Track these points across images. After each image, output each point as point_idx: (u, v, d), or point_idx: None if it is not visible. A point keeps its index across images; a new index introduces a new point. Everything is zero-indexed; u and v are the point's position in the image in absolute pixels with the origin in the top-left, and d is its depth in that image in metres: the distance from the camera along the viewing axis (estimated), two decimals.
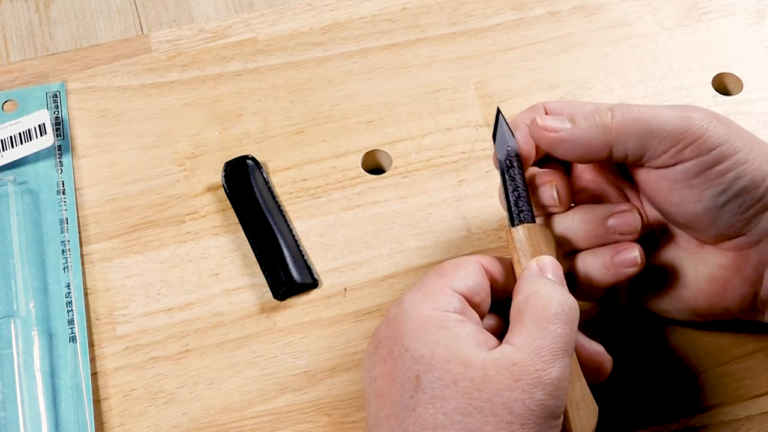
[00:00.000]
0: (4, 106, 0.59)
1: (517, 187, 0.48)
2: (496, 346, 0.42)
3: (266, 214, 0.55)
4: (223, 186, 0.56)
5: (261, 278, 0.54)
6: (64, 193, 0.56)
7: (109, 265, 0.54)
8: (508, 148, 0.48)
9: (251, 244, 0.54)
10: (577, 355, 0.45)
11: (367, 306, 0.53)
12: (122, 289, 0.53)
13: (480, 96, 0.60)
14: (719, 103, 0.59)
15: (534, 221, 0.47)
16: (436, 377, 0.41)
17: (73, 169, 0.57)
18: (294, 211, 0.56)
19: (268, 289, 0.53)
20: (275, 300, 0.53)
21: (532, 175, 0.49)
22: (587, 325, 0.44)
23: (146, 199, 0.56)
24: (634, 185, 0.49)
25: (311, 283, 0.53)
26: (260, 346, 0.52)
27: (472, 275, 0.45)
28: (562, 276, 0.45)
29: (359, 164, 0.58)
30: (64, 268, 0.54)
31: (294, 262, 0.54)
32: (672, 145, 0.45)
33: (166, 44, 0.62)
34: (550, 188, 0.48)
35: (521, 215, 0.47)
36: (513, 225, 0.47)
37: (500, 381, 0.40)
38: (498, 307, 0.46)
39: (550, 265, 0.45)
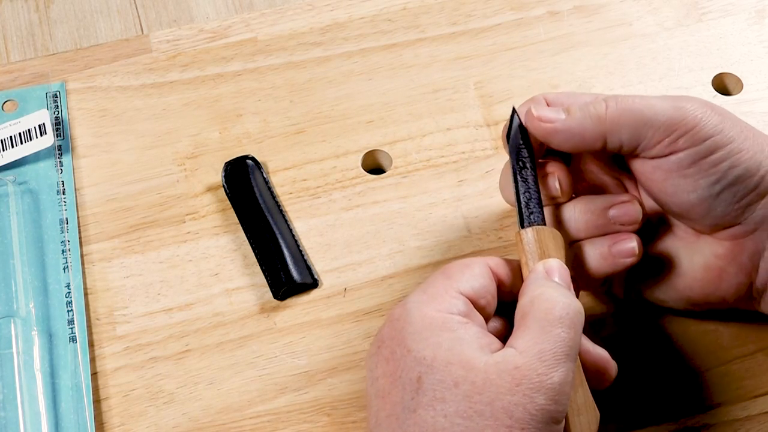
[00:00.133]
0: (4, 106, 0.59)
1: (529, 188, 0.47)
2: (500, 349, 0.42)
3: (266, 214, 0.55)
4: (223, 186, 0.56)
5: (261, 278, 0.54)
6: (64, 193, 0.56)
7: (109, 265, 0.54)
8: (522, 149, 0.48)
9: (251, 244, 0.54)
10: (581, 360, 0.45)
11: (367, 306, 0.53)
12: (122, 289, 0.53)
13: (480, 96, 0.60)
14: (719, 104, 0.59)
15: (544, 223, 0.47)
16: (438, 379, 0.41)
17: (73, 169, 0.57)
18: (294, 211, 0.56)
19: (268, 289, 0.53)
20: (275, 300, 0.53)
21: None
22: (587, 325, 0.44)
23: (146, 199, 0.56)
24: (632, 176, 0.49)
25: (311, 283, 0.53)
26: (260, 346, 0.52)
27: (478, 277, 0.45)
28: (570, 280, 0.45)
29: (359, 164, 0.58)
30: (64, 268, 0.54)
31: (294, 262, 0.54)
32: (666, 135, 0.45)
33: (166, 44, 0.62)
34: (552, 179, 0.48)
35: (532, 217, 0.47)
36: (523, 226, 0.47)
37: (501, 384, 0.40)
38: (505, 310, 0.46)
39: (557, 268, 0.45)
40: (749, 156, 0.45)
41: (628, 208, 0.48)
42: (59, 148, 0.58)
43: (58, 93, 0.60)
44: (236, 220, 0.55)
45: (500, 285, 0.46)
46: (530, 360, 0.41)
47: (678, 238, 0.49)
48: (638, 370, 0.50)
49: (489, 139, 0.58)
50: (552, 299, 0.43)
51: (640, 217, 0.48)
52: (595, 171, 0.50)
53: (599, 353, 0.45)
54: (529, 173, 0.48)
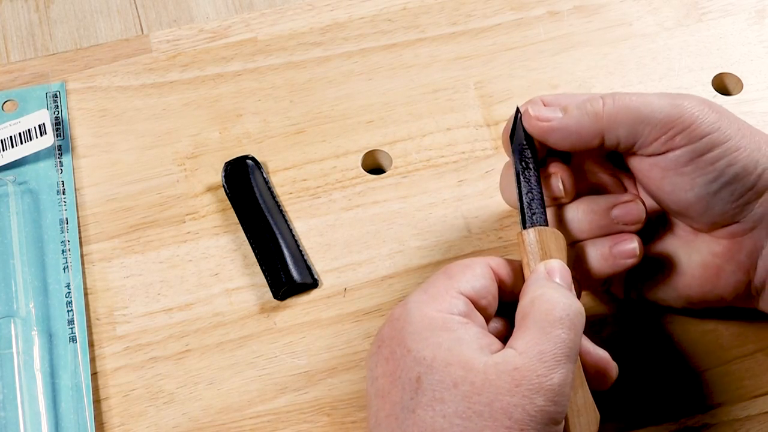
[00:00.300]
0: (4, 106, 0.59)
1: (532, 189, 0.47)
2: (500, 350, 0.42)
3: (266, 214, 0.55)
4: (223, 186, 0.56)
5: (261, 278, 0.54)
6: (64, 193, 0.56)
7: (109, 265, 0.54)
8: (525, 150, 0.48)
9: (251, 244, 0.54)
10: (582, 361, 0.44)
11: (367, 306, 0.53)
12: (122, 289, 0.53)
13: (480, 96, 0.60)
14: (719, 104, 0.59)
15: (547, 224, 0.47)
16: (437, 380, 0.41)
17: (73, 169, 0.57)
18: (294, 211, 0.56)
19: (268, 289, 0.53)
20: (275, 300, 0.53)
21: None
22: (587, 325, 0.44)
23: (146, 199, 0.56)
24: (632, 174, 0.49)
25: (311, 283, 0.53)
26: (260, 346, 0.52)
27: (479, 278, 0.45)
28: (571, 281, 0.45)
29: (359, 164, 0.58)
30: (64, 268, 0.54)
31: (294, 262, 0.54)
32: (663, 132, 0.45)
33: (166, 44, 0.62)
34: (555, 180, 0.48)
35: (534, 217, 0.47)
36: (525, 227, 0.47)
37: (500, 385, 0.40)
38: (506, 310, 0.46)
39: (558, 269, 0.45)
40: (746, 154, 0.45)
41: (631, 208, 0.48)
42: (59, 148, 0.58)
43: (58, 93, 0.60)
44: (236, 220, 0.55)
45: (501, 285, 0.46)
46: (530, 361, 0.41)
47: (676, 236, 0.50)
48: (638, 370, 0.50)
49: (489, 139, 0.58)
50: (552, 300, 0.43)
51: (644, 216, 0.48)
52: (595, 170, 0.50)
53: (600, 354, 0.45)
54: (531, 173, 0.48)
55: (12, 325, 0.51)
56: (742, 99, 0.60)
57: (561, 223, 0.49)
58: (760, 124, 0.58)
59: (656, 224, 0.50)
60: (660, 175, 0.46)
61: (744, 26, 0.63)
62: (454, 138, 0.58)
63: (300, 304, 0.53)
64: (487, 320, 0.45)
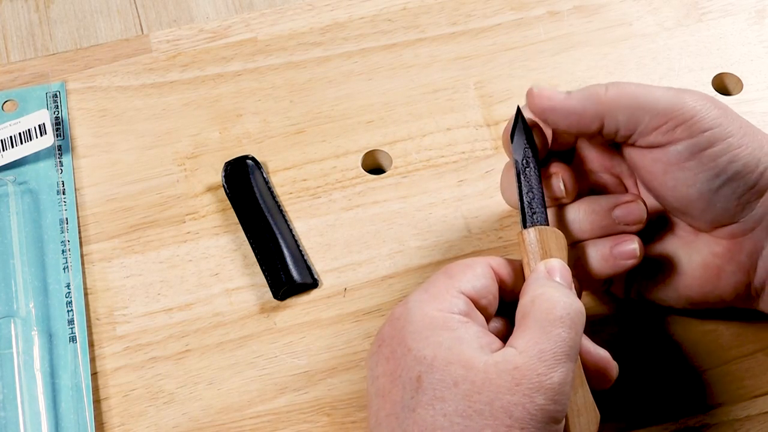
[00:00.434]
0: (4, 106, 0.59)
1: (532, 188, 0.47)
2: (500, 349, 0.42)
3: (266, 214, 0.55)
4: (223, 186, 0.56)
5: (261, 278, 0.54)
6: (64, 193, 0.56)
7: (109, 265, 0.54)
8: (526, 149, 0.48)
9: (251, 244, 0.54)
10: (582, 361, 0.44)
11: (367, 306, 0.53)
12: (122, 289, 0.53)
13: (480, 96, 0.60)
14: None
15: (547, 224, 0.47)
16: (438, 379, 0.41)
17: (73, 169, 0.57)
18: (294, 211, 0.56)
19: (268, 289, 0.53)
20: (275, 300, 0.53)
21: None
22: (587, 325, 0.44)
23: (146, 199, 0.56)
24: (632, 174, 0.49)
25: (311, 283, 0.53)
26: (260, 346, 0.52)
27: (480, 277, 0.45)
28: (571, 280, 0.45)
29: (359, 164, 0.58)
30: (64, 268, 0.54)
31: (294, 262, 0.54)
32: (663, 122, 0.45)
33: (166, 44, 0.62)
34: (556, 180, 0.48)
35: (534, 217, 0.47)
36: (525, 226, 0.47)
37: (501, 384, 0.40)
38: (506, 310, 0.46)
39: (558, 268, 0.45)
40: (748, 152, 0.45)
41: (632, 208, 0.48)
42: (59, 148, 0.58)
43: (58, 93, 0.60)
44: (236, 220, 0.55)
45: (502, 285, 0.46)
46: (530, 360, 0.41)
47: (677, 237, 0.50)
48: (638, 370, 0.50)
49: (489, 139, 0.58)
50: (553, 299, 0.43)
51: (645, 216, 0.48)
52: (596, 170, 0.50)
53: (600, 354, 0.45)
54: (532, 173, 0.48)
55: (12, 325, 0.51)
56: (742, 99, 0.60)
57: (562, 224, 0.49)
58: (760, 124, 0.58)
59: (657, 224, 0.50)
60: (662, 170, 0.46)
61: (744, 26, 0.63)
62: (454, 138, 0.58)
63: (300, 304, 0.53)
64: (488, 320, 0.45)
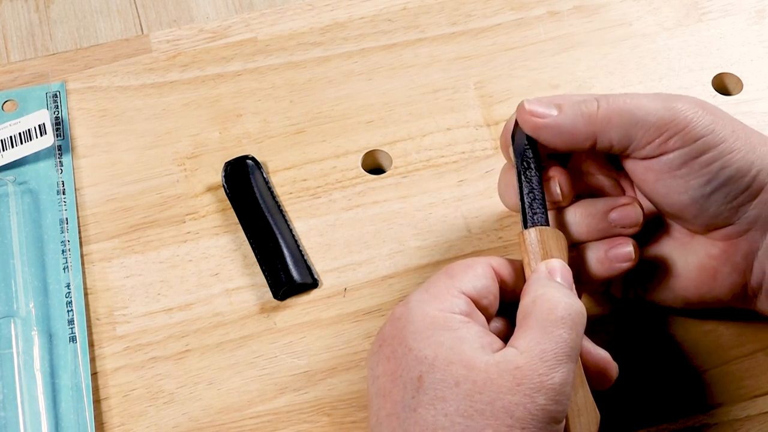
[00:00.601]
0: (4, 106, 0.59)
1: (533, 189, 0.47)
2: (501, 349, 0.42)
3: (266, 214, 0.55)
4: (223, 186, 0.56)
5: (261, 278, 0.54)
6: (64, 193, 0.56)
7: (109, 265, 0.54)
8: (526, 149, 0.48)
9: (251, 244, 0.54)
10: (582, 361, 0.45)
11: (367, 306, 0.53)
12: (122, 289, 0.53)
13: (480, 96, 0.60)
14: (719, 104, 0.59)
15: (548, 224, 0.47)
16: (439, 378, 0.41)
17: (73, 169, 0.57)
18: (294, 211, 0.56)
19: (268, 289, 0.53)
20: (275, 300, 0.53)
21: None
22: (587, 325, 0.44)
23: (146, 199, 0.56)
24: (629, 176, 0.49)
25: (311, 283, 0.53)
26: (260, 346, 0.52)
27: (481, 277, 0.45)
28: (571, 280, 0.45)
29: (359, 164, 0.58)
30: (64, 268, 0.54)
31: (294, 262, 0.54)
32: (657, 135, 0.45)
33: (166, 44, 0.62)
34: (553, 183, 0.48)
35: (535, 217, 0.47)
36: (526, 227, 0.47)
37: (502, 384, 0.40)
38: (507, 310, 0.46)
39: (559, 268, 0.45)
40: (741, 156, 0.45)
41: (628, 211, 0.48)
42: (59, 148, 0.58)
43: (58, 93, 0.60)
44: (236, 220, 0.55)
45: (502, 285, 0.46)
46: (531, 360, 0.41)
47: (672, 238, 0.50)
48: (638, 370, 0.50)
49: (489, 139, 0.58)
50: (554, 299, 0.43)
51: (641, 219, 0.48)
52: (593, 172, 0.50)
53: (600, 354, 0.45)
54: (533, 174, 0.48)
55: (12, 325, 0.51)
56: (742, 99, 0.60)
57: (559, 226, 0.49)
58: (760, 124, 0.58)
59: (653, 226, 0.50)
60: (654, 178, 0.46)
61: (744, 26, 0.63)
62: (454, 138, 0.58)
63: (300, 304, 0.53)
64: (488, 320, 0.45)
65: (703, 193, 0.45)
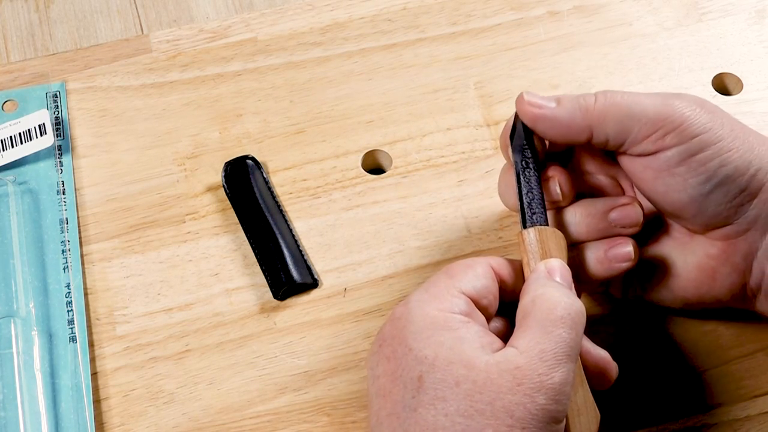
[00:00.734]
0: (4, 106, 0.59)
1: (532, 189, 0.47)
2: (501, 349, 0.42)
3: (266, 214, 0.55)
4: (223, 186, 0.56)
5: (261, 278, 0.54)
6: (64, 193, 0.56)
7: (109, 265, 0.54)
8: (525, 149, 0.48)
9: (251, 244, 0.54)
10: (582, 361, 0.45)
11: (367, 306, 0.53)
12: (122, 289, 0.53)
13: (480, 96, 0.60)
14: (719, 104, 0.58)
15: (547, 224, 0.47)
16: (439, 378, 0.41)
17: (73, 169, 0.57)
18: (294, 211, 0.56)
19: (268, 289, 0.53)
20: (275, 300, 0.53)
21: None
22: (587, 325, 0.44)
23: (146, 199, 0.56)
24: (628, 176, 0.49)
25: (311, 283, 0.53)
26: (260, 346, 0.52)
27: (480, 277, 0.45)
28: (571, 280, 0.45)
29: (359, 164, 0.58)
30: (64, 268, 0.54)
31: (294, 262, 0.54)
32: (653, 130, 0.45)
33: (166, 44, 0.62)
34: (553, 183, 0.48)
35: (534, 217, 0.47)
36: (525, 227, 0.47)
37: (502, 384, 0.40)
38: (506, 310, 0.46)
39: (558, 268, 0.45)
40: (739, 155, 0.45)
41: (628, 211, 0.48)
42: (59, 148, 0.58)
43: (58, 93, 0.60)
44: (236, 220, 0.55)
45: (502, 285, 0.46)
46: (531, 360, 0.41)
47: (672, 238, 0.50)
48: (638, 370, 0.50)
49: (489, 139, 0.58)
50: (554, 299, 0.43)
51: (641, 219, 0.48)
52: (593, 172, 0.50)
53: (600, 354, 0.45)
54: (532, 173, 0.48)
55: (12, 325, 0.51)
56: (742, 99, 0.60)
57: (559, 226, 0.49)
58: (760, 125, 0.58)
59: (652, 226, 0.50)
60: (652, 176, 0.46)
61: (744, 26, 0.63)
62: (454, 138, 0.58)
63: (300, 304, 0.53)
64: (488, 320, 0.45)
65: (701, 191, 0.45)
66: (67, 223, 0.55)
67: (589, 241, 0.48)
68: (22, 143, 0.57)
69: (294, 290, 0.53)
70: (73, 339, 0.51)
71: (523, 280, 0.46)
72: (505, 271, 0.46)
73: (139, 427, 0.49)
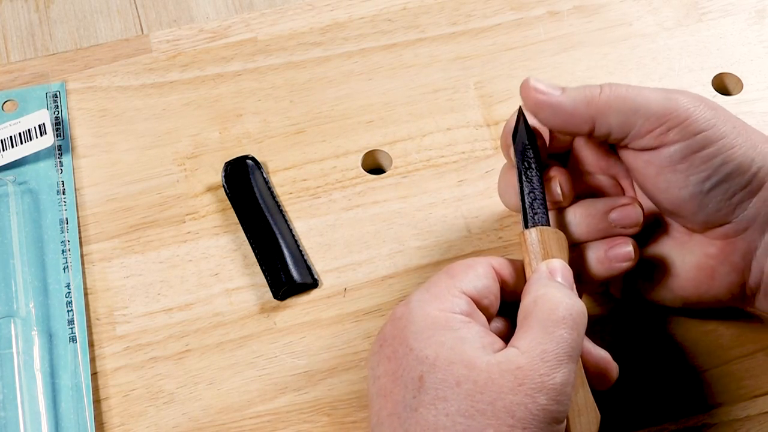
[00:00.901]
0: (4, 106, 0.59)
1: (534, 189, 0.47)
2: (502, 349, 0.42)
3: (266, 214, 0.55)
4: (223, 186, 0.56)
5: (261, 278, 0.54)
6: (64, 193, 0.56)
7: (109, 265, 0.54)
8: (527, 149, 0.48)
9: (251, 244, 0.54)
10: (583, 361, 0.45)
11: (367, 306, 0.53)
12: (122, 289, 0.53)
13: (480, 96, 0.60)
14: (719, 103, 0.59)
15: (548, 224, 0.47)
16: (440, 378, 0.41)
17: (73, 169, 0.57)
18: (294, 211, 0.56)
19: (268, 289, 0.53)
20: (275, 300, 0.53)
21: None
22: (587, 325, 0.44)
23: (146, 199, 0.56)
24: (629, 176, 0.49)
25: (311, 283, 0.53)
26: (260, 346, 0.52)
27: (481, 277, 0.45)
28: (572, 280, 0.45)
29: (359, 164, 0.58)
30: (64, 268, 0.54)
31: (294, 262, 0.54)
32: (656, 125, 0.45)
33: (166, 44, 0.62)
34: (554, 184, 0.48)
35: (536, 217, 0.47)
36: (527, 227, 0.47)
37: (503, 384, 0.40)
38: (508, 310, 0.46)
39: (560, 268, 0.45)
40: (741, 152, 0.45)
41: (629, 211, 0.48)
42: (59, 148, 0.58)
43: (58, 93, 0.60)
44: (236, 220, 0.55)
45: (503, 285, 0.46)
46: (532, 360, 0.41)
47: (671, 238, 0.49)
48: (638, 370, 0.50)
49: (489, 139, 0.58)
50: (555, 300, 0.43)
51: (641, 219, 0.48)
52: (592, 172, 0.50)
53: (600, 354, 0.45)
54: (534, 174, 0.48)
55: (12, 325, 0.51)
56: (742, 99, 0.60)
57: (559, 226, 0.49)
58: (760, 124, 0.58)
59: (651, 225, 0.50)
60: (654, 172, 0.46)
61: (744, 26, 0.63)
62: (454, 138, 0.58)
63: (300, 304, 0.53)
64: (489, 320, 0.45)
65: (702, 189, 0.45)
66: (67, 223, 0.55)
67: (590, 241, 0.48)
68: (22, 143, 0.57)
69: (294, 290, 0.53)
70: (73, 339, 0.51)
71: (524, 281, 0.46)
72: (506, 271, 0.46)
73: (139, 427, 0.49)
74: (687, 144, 0.45)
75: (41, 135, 0.57)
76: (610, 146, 0.49)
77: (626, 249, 0.47)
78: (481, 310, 0.44)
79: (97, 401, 0.50)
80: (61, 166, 0.57)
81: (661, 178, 0.46)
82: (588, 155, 0.50)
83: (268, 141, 0.58)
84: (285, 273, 0.53)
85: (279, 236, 0.54)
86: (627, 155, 0.48)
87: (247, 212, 0.55)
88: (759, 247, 0.47)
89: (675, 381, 0.50)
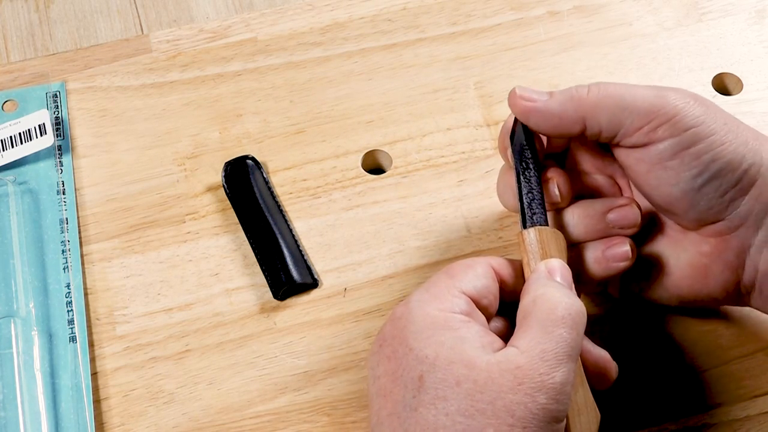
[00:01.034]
0: (4, 106, 0.59)
1: (532, 189, 0.47)
2: (501, 348, 0.42)
3: (266, 214, 0.55)
4: (223, 186, 0.56)
5: (261, 278, 0.54)
6: (64, 193, 0.56)
7: (109, 265, 0.54)
8: (525, 150, 0.48)
9: (251, 244, 0.54)
10: (582, 361, 0.45)
11: (367, 306, 0.53)
12: (122, 289, 0.53)
13: (480, 96, 0.60)
14: (719, 104, 0.59)
15: (547, 224, 0.47)
16: (440, 378, 0.41)
17: (73, 169, 0.57)
18: (294, 211, 0.56)
19: (268, 289, 0.53)
20: (275, 300, 0.53)
21: None
22: (587, 325, 0.44)
23: (146, 199, 0.56)
24: (625, 175, 0.49)
25: (311, 283, 0.53)
26: (260, 346, 0.52)
27: (481, 277, 0.45)
28: (571, 280, 0.45)
29: (359, 164, 0.58)
30: (64, 268, 0.54)
31: (294, 262, 0.54)
32: (646, 122, 0.45)
33: (166, 44, 0.62)
34: (552, 185, 0.48)
35: (534, 217, 0.47)
36: (525, 227, 0.47)
37: (503, 384, 0.40)
38: (507, 310, 0.46)
39: (558, 268, 0.45)
40: (732, 149, 0.45)
41: (626, 212, 0.48)
42: (59, 148, 0.58)
43: (58, 93, 0.60)
44: (236, 220, 0.55)
45: (502, 285, 0.46)
46: (532, 359, 0.41)
47: (665, 236, 0.50)
48: (638, 370, 0.50)
49: (489, 139, 0.58)
50: (554, 299, 0.43)
51: (639, 220, 0.48)
52: (590, 172, 0.50)
53: (600, 354, 0.45)
54: (532, 174, 0.48)
55: (12, 325, 0.51)
56: (742, 99, 0.60)
57: (557, 227, 0.49)
58: (760, 125, 0.58)
59: (647, 224, 0.50)
60: (646, 170, 0.46)
61: (744, 26, 0.63)
62: (454, 138, 0.58)
63: (300, 304, 0.53)
64: (489, 320, 0.45)
65: (693, 185, 0.45)
66: (67, 223, 0.55)
67: (588, 241, 0.48)
68: (22, 143, 0.57)
69: (294, 290, 0.53)
70: (73, 339, 0.51)
71: (524, 280, 0.46)
72: (506, 271, 0.46)
73: (139, 427, 0.49)
74: (677, 141, 0.45)
75: (41, 135, 0.57)
76: (607, 146, 0.49)
77: (623, 249, 0.48)
78: (480, 309, 0.44)
79: (97, 401, 0.50)
80: (61, 166, 0.57)
81: (652, 175, 0.46)
82: (585, 155, 0.50)
83: (268, 141, 0.58)
84: (285, 273, 0.53)
85: (279, 236, 0.54)
86: (620, 153, 0.48)
87: (247, 212, 0.55)
88: (753, 245, 0.47)
89: (675, 381, 0.50)
